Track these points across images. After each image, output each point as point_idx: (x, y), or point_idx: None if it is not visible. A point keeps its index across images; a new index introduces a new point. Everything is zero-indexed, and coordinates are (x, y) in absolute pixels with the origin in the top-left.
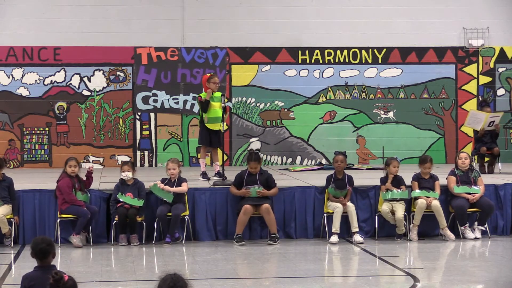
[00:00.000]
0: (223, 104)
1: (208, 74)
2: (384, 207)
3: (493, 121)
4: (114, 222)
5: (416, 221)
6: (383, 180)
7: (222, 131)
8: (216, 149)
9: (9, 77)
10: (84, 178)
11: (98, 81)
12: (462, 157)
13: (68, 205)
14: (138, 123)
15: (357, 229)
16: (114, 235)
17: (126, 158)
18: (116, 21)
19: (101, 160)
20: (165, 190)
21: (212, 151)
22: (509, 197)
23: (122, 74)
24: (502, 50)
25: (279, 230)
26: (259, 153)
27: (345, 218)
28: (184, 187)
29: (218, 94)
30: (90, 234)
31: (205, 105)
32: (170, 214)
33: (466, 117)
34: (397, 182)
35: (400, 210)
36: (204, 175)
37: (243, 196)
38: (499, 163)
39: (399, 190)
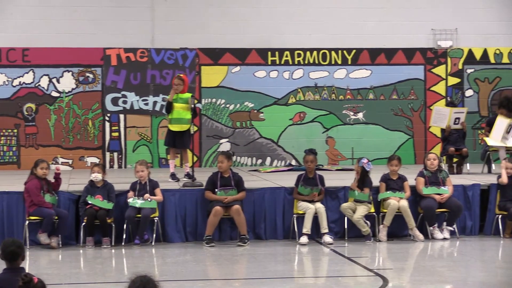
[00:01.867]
0: (192, 105)
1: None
2: (345, 205)
3: (459, 118)
4: (83, 224)
5: (387, 221)
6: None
7: (192, 132)
8: (185, 150)
9: None
10: (53, 180)
11: (67, 83)
12: (431, 158)
13: (35, 207)
14: (107, 124)
15: (326, 230)
16: (83, 237)
17: (95, 160)
18: (85, 22)
19: (70, 161)
20: (145, 199)
21: (181, 152)
22: (477, 197)
23: (91, 76)
24: (470, 51)
25: (248, 231)
26: (231, 152)
27: (314, 219)
28: (159, 196)
29: (184, 95)
30: (59, 236)
31: (167, 106)
32: (139, 215)
33: (431, 115)
34: (365, 183)
35: (359, 211)
36: (173, 176)
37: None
38: (468, 164)
39: (361, 191)
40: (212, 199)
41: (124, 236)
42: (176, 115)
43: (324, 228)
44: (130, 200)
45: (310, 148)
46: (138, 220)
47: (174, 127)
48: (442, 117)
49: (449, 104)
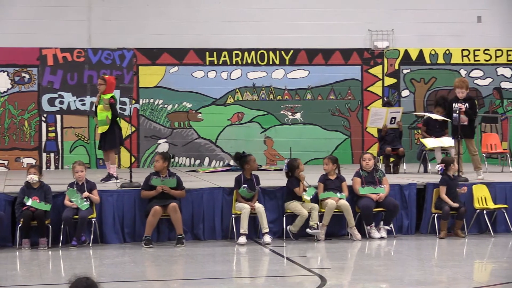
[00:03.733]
0: (107, 105)
1: None
2: (291, 205)
3: (395, 118)
4: (19, 225)
5: (325, 221)
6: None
7: (116, 131)
8: (111, 151)
9: None
10: None
11: (2, 83)
12: (366, 158)
13: None
14: (43, 125)
15: (267, 230)
16: (19, 239)
17: (32, 161)
18: (21, 22)
19: (6, 162)
20: (83, 197)
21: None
22: (413, 196)
23: (27, 76)
24: (406, 51)
25: (187, 232)
26: (169, 153)
27: (252, 219)
28: (96, 197)
29: (105, 96)
30: None
31: (94, 108)
32: (76, 216)
33: (368, 117)
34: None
35: (313, 215)
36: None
37: (152, 197)
38: (404, 163)
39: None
40: (149, 196)
41: (61, 238)
42: (98, 117)
43: (265, 228)
44: (70, 198)
45: (238, 152)
46: (76, 221)
47: (98, 129)
48: (378, 117)
49: (386, 104)
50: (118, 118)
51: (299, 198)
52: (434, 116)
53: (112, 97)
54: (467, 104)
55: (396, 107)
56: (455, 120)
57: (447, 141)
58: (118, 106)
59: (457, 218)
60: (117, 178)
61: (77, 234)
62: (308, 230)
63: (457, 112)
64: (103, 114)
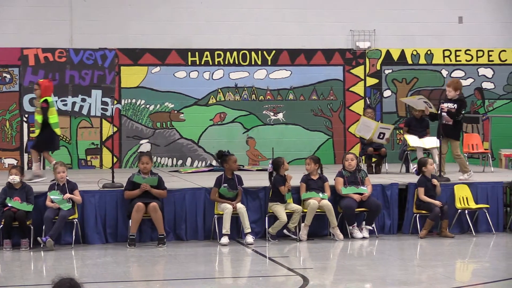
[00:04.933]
0: (39, 108)
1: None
2: (274, 207)
3: (384, 134)
4: (1, 226)
5: (308, 221)
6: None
7: (110, 134)
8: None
9: None
10: None
11: None
12: (349, 159)
13: None
14: (25, 125)
15: (249, 230)
16: (0, 239)
17: (13, 161)
18: (2, 21)
19: None
20: (64, 198)
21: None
22: (395, 196)
23: (8, 76)
24: (388, 52)
25: (169, 232)
26: (150, 153)
27: (235, 219)
28: (78, 198)
29: (40, 100)
30: None
31: None
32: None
33: (357, 124)
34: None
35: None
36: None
37: (134, 197)
38: (386, 164)
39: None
40: (132, 196)
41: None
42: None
43: (247, 228)
44: (52, 197)
45: (221, 150)
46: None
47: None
48: (367, 128)
49: (367, 107)
50: (54, 123)
51: (283, 200)
52: (415, 98)
53: (44, 100)
54: (455, 105)
55: (387, 124)
56: (442, 118)
57: (428, 142)
58: (56, 109)
59: (442, 218)
60: (41, 176)
61: (54, 232)
62: (285, 231)
63: (440, 111)
64: (38, 117)
